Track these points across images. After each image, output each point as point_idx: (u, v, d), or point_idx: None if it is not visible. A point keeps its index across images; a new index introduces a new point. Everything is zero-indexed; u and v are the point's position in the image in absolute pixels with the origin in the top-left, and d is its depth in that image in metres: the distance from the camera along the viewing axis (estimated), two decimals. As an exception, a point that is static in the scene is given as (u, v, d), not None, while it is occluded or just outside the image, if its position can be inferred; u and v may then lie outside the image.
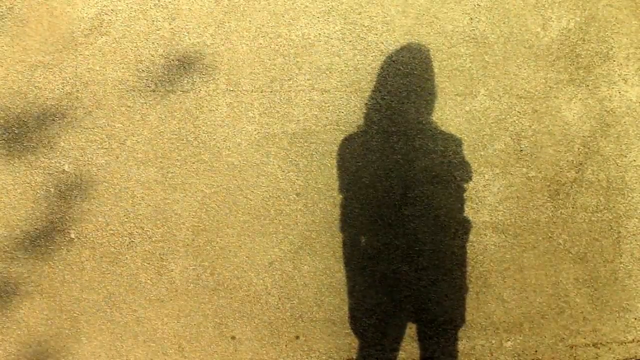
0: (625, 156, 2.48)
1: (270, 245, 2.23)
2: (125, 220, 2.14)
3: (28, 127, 2.08)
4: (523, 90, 2.39)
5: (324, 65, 2.25)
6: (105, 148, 2.12)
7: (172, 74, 2.16)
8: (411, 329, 2.31)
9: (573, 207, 2.43)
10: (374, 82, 2.29)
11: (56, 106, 2.09)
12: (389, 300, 2.29)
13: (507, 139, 2.37)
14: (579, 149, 2.44)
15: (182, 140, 2.16)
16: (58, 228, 2.10)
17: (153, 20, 2.15)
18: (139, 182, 2.14)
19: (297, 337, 2.25)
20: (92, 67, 2.11)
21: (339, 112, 2.26)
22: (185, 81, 2.16)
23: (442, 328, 2.32)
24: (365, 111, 2.28)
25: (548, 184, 2.40)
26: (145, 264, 2.15)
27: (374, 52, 2.29)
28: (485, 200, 2.36)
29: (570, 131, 2.43)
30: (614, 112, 2.47)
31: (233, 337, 2.20)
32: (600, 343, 2.47)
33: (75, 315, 2.12)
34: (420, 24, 2.32)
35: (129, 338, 2.15)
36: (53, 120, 2.09)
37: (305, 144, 2.24)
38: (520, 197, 2.39)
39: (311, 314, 2.26)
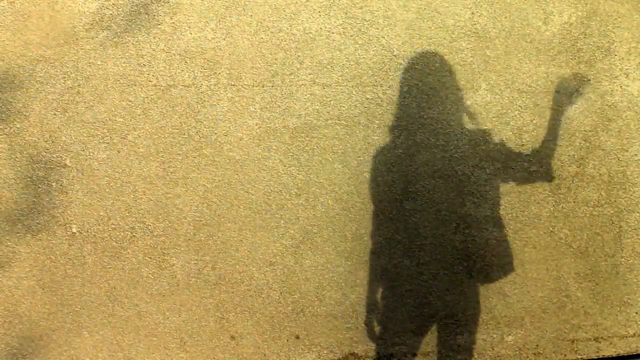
0: (627, 150, 2.48)
1: (272, 239, 2.23)
2: (127, 214, 2.14)
3: (29, 122, 2.08)
4: (524, 85, 2.39)
5: (326, 59, 2.25)
6: (107, 142, 2.12)
7: (173, 69, 2.16)
8: (412, 323, 2.31)
9: (574, 202, 2.43)
10: (376, 77, 2.28)
11: (58, 100, 2.09)
12: (390, 295, 2.29)
13: (509, 133, 2.37)
14: (580, 143, 2.44)
15: (184, 134, 2.17)
16: (60, 222, 2.10)
17: (154, 15, 2.15)
18: (141, 177, 2.14)
19: (297, 337, 2.25)
20: (93, 62, 2.11)
21: (341, 106, 2.26)
22: (187, 75, 2.16)
23: (443, 322, 2.33)
24: (366, 105, 2.28)
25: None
26: (146, 258, 2.15)
27: (375, 46, 2.28)
28: (487, 195, 2.36)
29: (572, 125, 2.43)
30: (616, 107, 2.47)
31: (233, 337, 2.20)
32: (602, 337, 2.47)
33: (76, 309, 2.12)
34: (422, 18, 2.32)
35: (131, 332, 2.15)
36: (55, 114, 2.09)
37: (307, 139, 2.24)
38: (522, 191, 2.39)
39: (313, 308, 2.26)
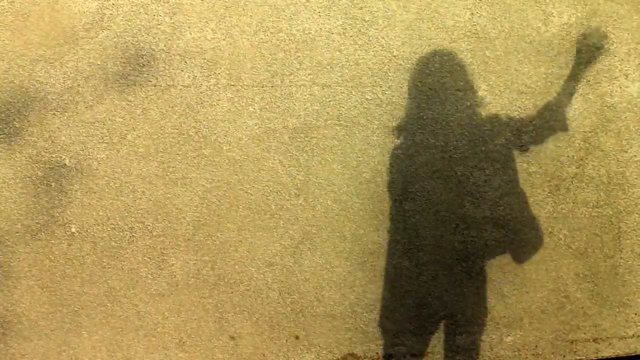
0: (626, 152, 2.48)
1: (271, 240, 2.23)
2: (126, 214, 2.14)
3: (29, 122, 2.08)
4: (524, 86, 2.39)
5: (325, 60, 2.25)
6: (106, 142, 2.13)
7: (173, 69, 2.16)
8: (411, 324, 2.32)
9: (573, 203, 2.43)
10: (375, 77, 2.29)
11: (57, 100, 2.09)
12: (389, 295, 2.29)
13: (508, 134, 2.38)
14: (579, 144, 2.44)
15: (183, 134, 2.17)
16: (59, 222, 2.10)
17: (154, 15, 2.15)
18: (140, 177, 2.14)
19: (297, 337, 2.25)
20: (93, 62, 2.11)
21: (340, 107, 2.27)
22: (186, 76, 2.17)
23: (442, 323, 2.33)
24: (366, 106, 2.28)
25: (548, 179, 2.41)
26: (146, 258, 2.15)
27: (375, 47, 2.29)
28: (486, 196, 2.36)
29: (571, 126, 2.43)
30: (615, 108, 2.47)
31: (232, 337, 2.20)
32: (601, 338, 2.47)
33: (76, 309, 2.12)
34: (421, 19, 2.32)
35: (130, 332, 2.15)
36: (54, 114, 2.09)
37: (306, 139, 2.24)
38: (522, 191, 2.39)
39: (312, 308, 2.26)
